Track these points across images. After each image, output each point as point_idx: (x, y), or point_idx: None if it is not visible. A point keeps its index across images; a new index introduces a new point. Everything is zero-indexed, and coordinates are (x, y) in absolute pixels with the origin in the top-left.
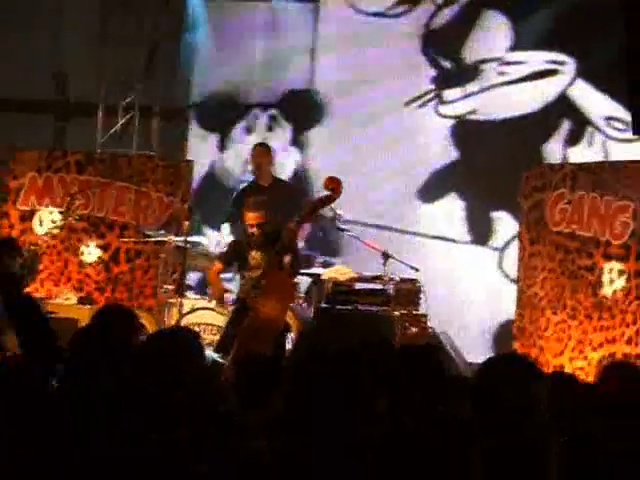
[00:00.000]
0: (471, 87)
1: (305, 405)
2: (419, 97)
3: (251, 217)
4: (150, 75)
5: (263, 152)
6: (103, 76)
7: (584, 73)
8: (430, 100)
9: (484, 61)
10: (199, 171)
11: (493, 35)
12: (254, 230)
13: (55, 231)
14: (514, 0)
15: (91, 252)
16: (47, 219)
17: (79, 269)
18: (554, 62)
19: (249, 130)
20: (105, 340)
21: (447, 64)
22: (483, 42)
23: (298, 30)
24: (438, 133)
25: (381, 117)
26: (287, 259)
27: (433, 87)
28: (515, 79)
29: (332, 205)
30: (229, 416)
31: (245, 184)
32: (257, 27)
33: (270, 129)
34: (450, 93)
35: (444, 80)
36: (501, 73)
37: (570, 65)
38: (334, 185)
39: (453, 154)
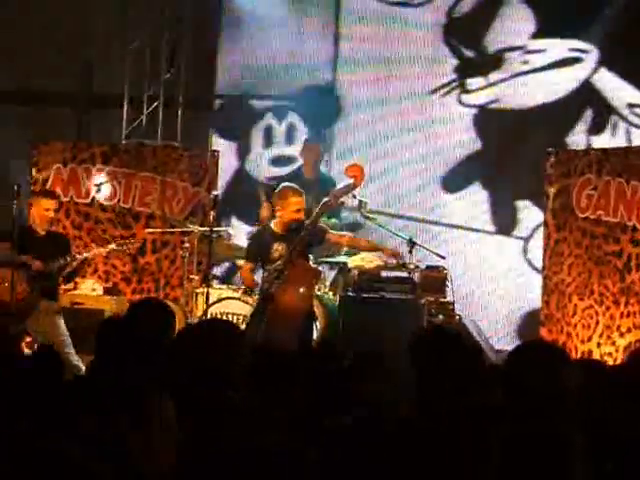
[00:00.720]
0: (494, 76)
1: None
2: (442, 86)
3: (295, 202)
4: (174, 66)
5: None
6: (127, 67)
7: (606, 61)
8: (453, 89)
9: (507, 49)
10: (230, 164)
11: (516, 23)
12: (300, 216)
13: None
14: None
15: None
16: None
17: (105, 260)
18: (577, 50)
19: (268, 142)
20: (134, 332)
21: (469, 53)
22: (506, 30)
23: (320, 20)
24: (461, 122)
25: (404, 106)
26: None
27: (456, 76)
28: (538, 67)
29: (357, 193)
30: (244, 409)
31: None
32: (278, 17)
33: (289, 141)
34: (473, 82)
35: (467, 69)
36: (524, 62)
37: (593, 53)
38: (355, 172)
39: (476, 143)
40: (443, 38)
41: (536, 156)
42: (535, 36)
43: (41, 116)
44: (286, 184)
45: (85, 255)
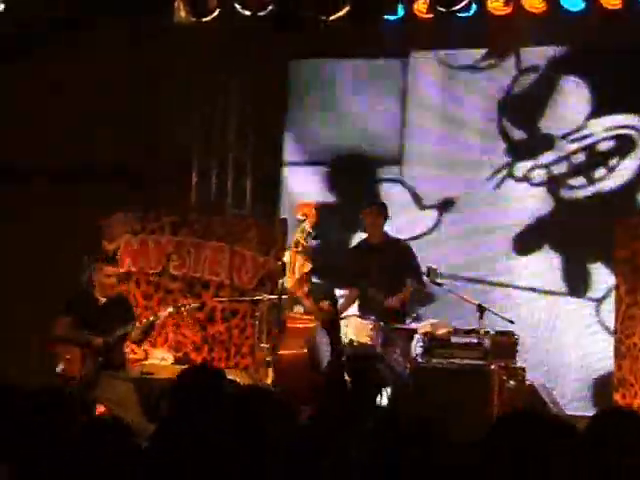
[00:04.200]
0: (546, 157)
1: None
2: (497, 171)
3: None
4: (243, 135)
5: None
6: (196, 137)
7: None
8: (506, 176)
9: (563, 129)
10: None
11: (571, 103)
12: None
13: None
14: (592, 64)
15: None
16: None
17: (176, 329)
18: (630, 127)
19: None
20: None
21: (523, 134)
22: (561, 110)
23: (387, 87)
24: (530, 187)
25: (474, 169)
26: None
27: (509, 160)
28: (595, 145)
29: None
30: None
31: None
32: (346, 85)
33: None
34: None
35: (522, 150)
36: (580, 139)
37: None
38: (306, 211)
39: (547, 205)
40: (497, 117)
41: (607, 216)
42: (590, 116)
43: (111, 187)
44: None
45: (136, 325)
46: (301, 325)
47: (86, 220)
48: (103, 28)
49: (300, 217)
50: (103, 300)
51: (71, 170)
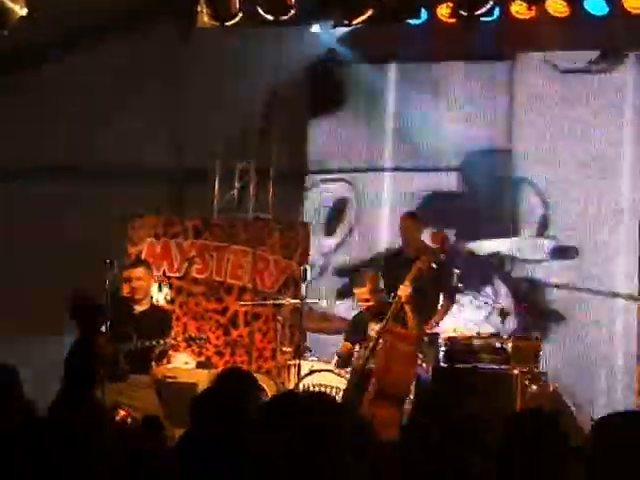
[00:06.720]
0: None
1: None
2: None
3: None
4: (265, 139)
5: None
6: (218, 141)
7: None
8: None
9: None
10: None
11: None
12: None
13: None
14: None
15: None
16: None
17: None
18: None
19: None
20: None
21: None
22: None
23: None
24: None
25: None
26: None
27: None
28: None
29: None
30: None
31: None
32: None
33: None
34: None
35: None
36: None
37: None
38: (439, 241)
39: None
40: None
41: None
42: None
43: (134, 191)
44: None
45: (147, 344)
46: (406, 349)
47: (107, 223)
48: (129, 32)
49: (434, 244)
50: (140, 309)
51: (91, 172)
